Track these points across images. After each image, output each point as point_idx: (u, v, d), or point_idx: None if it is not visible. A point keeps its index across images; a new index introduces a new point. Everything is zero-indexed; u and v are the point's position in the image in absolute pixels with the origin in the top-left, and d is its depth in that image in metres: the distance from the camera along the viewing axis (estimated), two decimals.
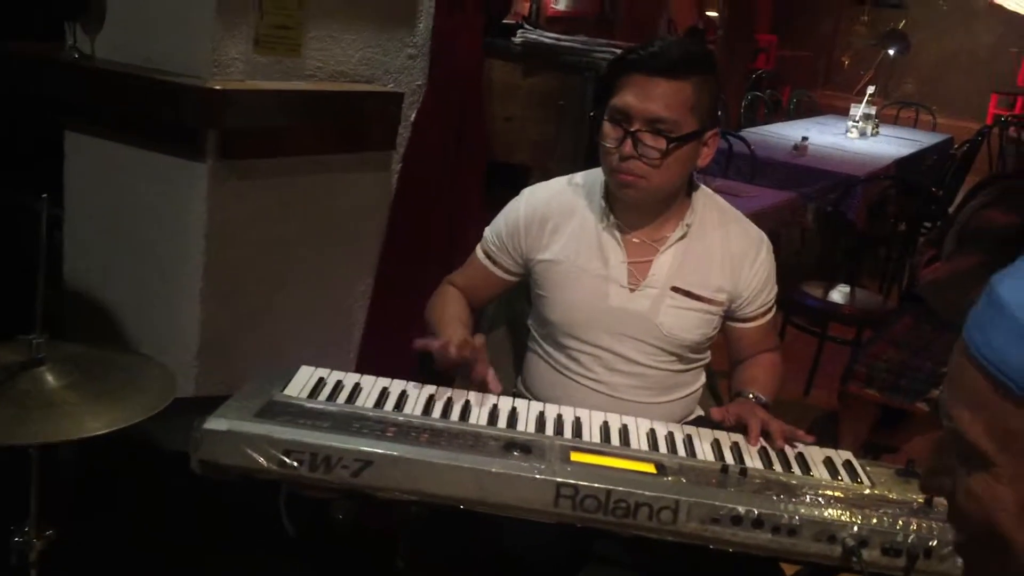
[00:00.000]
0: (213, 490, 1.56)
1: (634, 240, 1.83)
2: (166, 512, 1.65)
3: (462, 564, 1.78)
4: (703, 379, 1.99)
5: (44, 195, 1.46)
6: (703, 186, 1.90)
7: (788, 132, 6.22)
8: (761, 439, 1.64)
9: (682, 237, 1.82)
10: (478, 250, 1.95)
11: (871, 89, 6.91)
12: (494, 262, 1.92)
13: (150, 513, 1.64)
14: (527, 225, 1.87)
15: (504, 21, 2.59)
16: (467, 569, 1.78)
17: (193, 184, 1.86)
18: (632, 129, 1.68)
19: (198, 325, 1.91)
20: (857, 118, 6.62)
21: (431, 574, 1.89)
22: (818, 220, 5.65)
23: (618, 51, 2.35)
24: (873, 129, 6.66)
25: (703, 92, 1.71)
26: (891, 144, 6.47)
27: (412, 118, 2.31)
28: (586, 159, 2.30)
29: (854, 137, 6.48)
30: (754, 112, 7.49)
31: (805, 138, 5.67)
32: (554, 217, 1.86)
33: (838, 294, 4.13)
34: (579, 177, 1.91)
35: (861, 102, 6.74)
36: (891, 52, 8.58)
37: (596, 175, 1.88)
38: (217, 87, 1.78)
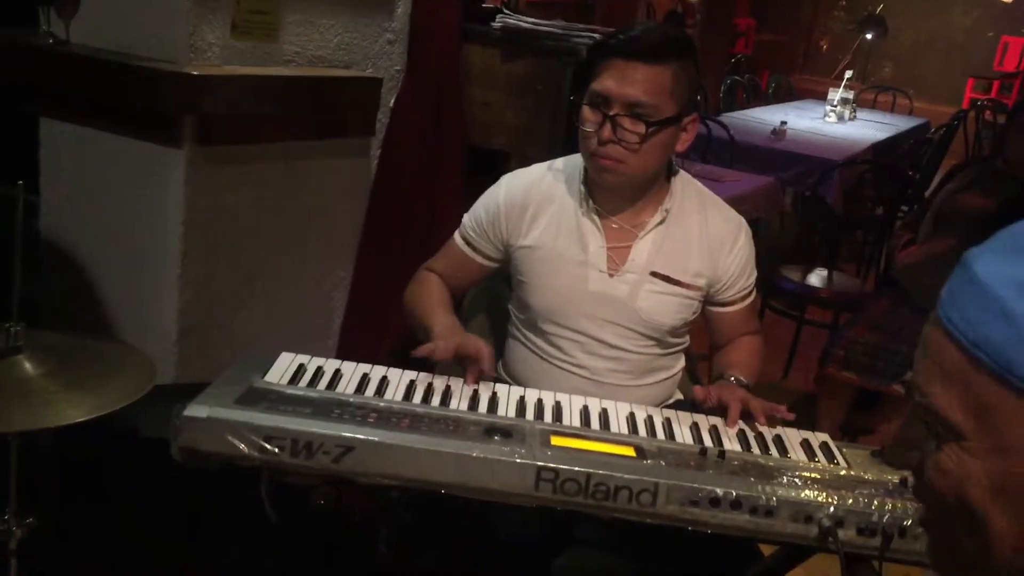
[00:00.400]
0: (194, 477, 1.56)
1: (613, 225, 1.84)
2: (147, 500, 1.65)
3: (443, 550, 1.79)
4: (682, 362, 2.00)
5: (19, 182, 1.45)
6: (682, 171, 1.91)
7: (767, 117, 6.24)
8: (741, 422, 1.66)
9: (661, 222, 1.83)
10: (456, 236, 1.95)
11: (849, 73, 6.95)
12: (473, 248, 1.92)
13: (131, 501, 1.64)
14: (507, 212, 1.87)
15: (483, 5, 2.59)
16: (448, 555, 1.78)
17: (170, 170, 1.85)
18: (611, 113, 1.68)
19: (176, 312, 1.91)
20: (835, 102, 6.66)
21: (412, 560, 1.90)
22: (796, 204, 5.69)
23: (596, 36, 2.35)
24: (851, 114, 6.70)
25: (682, 77, 1.71)
26: (868, 128, 6.51)
27: (391, 104, 2.30)
28: (564, 143, 2.30)
29: (832, 121, 6.52)
30: (733, 97, 7.50)
31: (784, 122, 5.69)
32: (533, 204, 1.87)
33: (816, 278, 4.16)
34: (558, 163, 1.91)
35: (839, 87, 6.78)
36: (868, 36, 8.61)
37: (575, 161, 1.88)
38: (194, 72, 1.77)
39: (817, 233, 5.26)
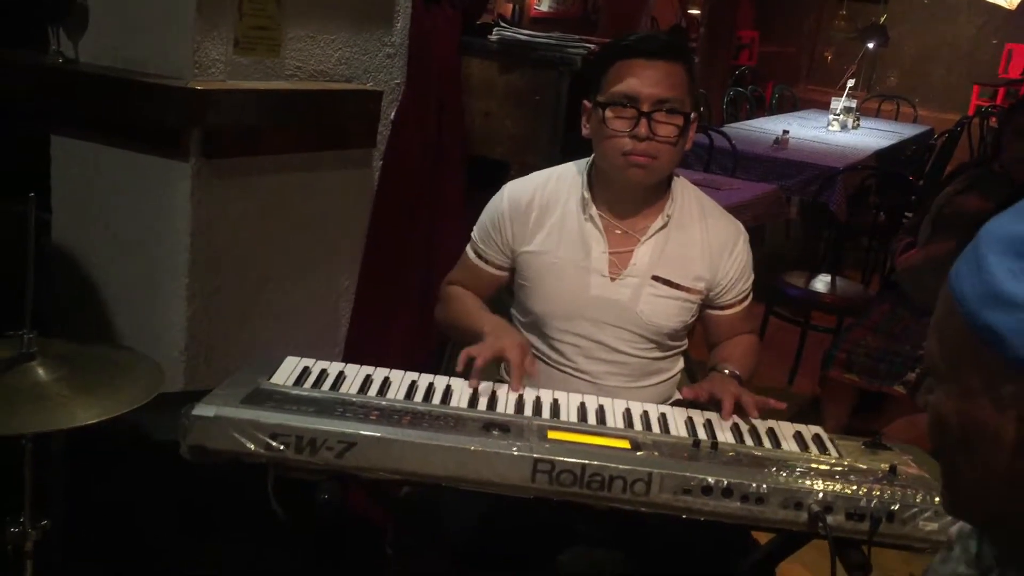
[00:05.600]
0: (203, 479, 1.61)
1: (616, 230, 1.88)
2: (156, 501, 1.69)
3: (448, 551, 1.82)
4: (681, 364, 2.04)
5: (31, 194, 1.51)
6: (682, 178, 1.96)
7: (769, 127, 6.29)
8: (735, 416, 1.69)
9: (663, 227, 1.87)
10: (468, 250, 2.00)
11: (851, 82, 7.00)
12: (485, 260, 1.97)
13: (140, 502, 1.69)
14: (511, 218, 1.92)
15: (480, 22, 2.64)
16: (453, 556, 1.82)
17: (177, 183, 1.90)
18: (645, 111, 1.73)
19: (185, 321, 1.96)
20: (838, 111, 6.70)
21: (419, 561, 1.94)
22: (802, 212, 5.73)
23: (591, 46, 2.41)
24: (854, 122, 6.74)
25: (690, 76, 1.80)
26: (871, 136, 6.55)
27: (392, 116, 2.35)
28: (563, 151, 2.35)
29: (835, 130, 6.56)
30: (737, 108, 7.56)
31: (786, 132, 5.74)
32: (536, 209, 1.91)
33: (820, 283, 4.19)
34: (559, 170, 1.96)
35: (843, 96, 6.82)
36: (870, 46, 8.65)
37: (576, 168, 1.93)
38: (199, 87, 1.83)
39: (822, 240, 5.30)
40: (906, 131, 7.07)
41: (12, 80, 2.04)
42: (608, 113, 1.77)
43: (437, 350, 2.29)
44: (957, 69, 11.63)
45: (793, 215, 6.42)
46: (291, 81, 2.08)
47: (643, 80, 1.74)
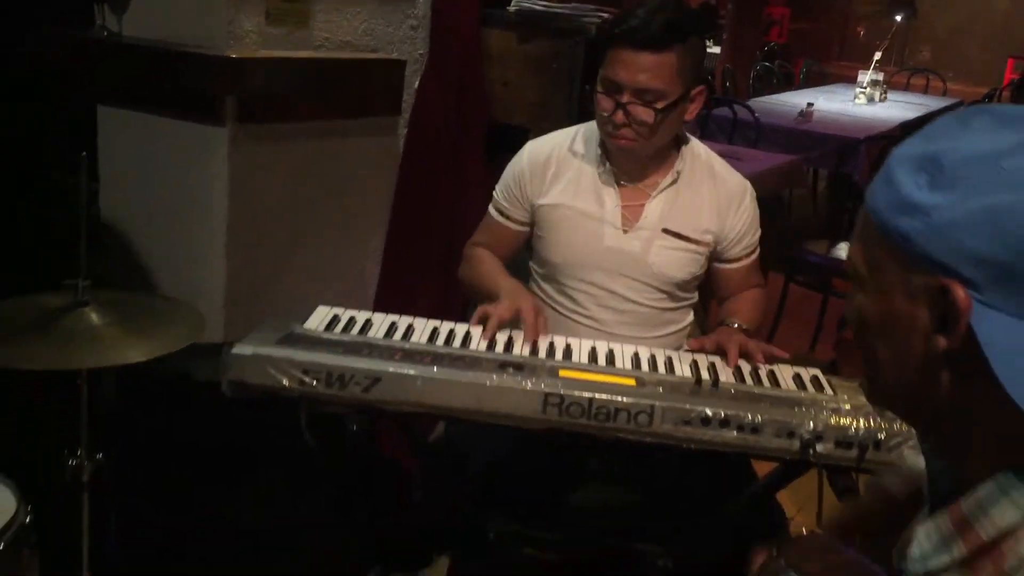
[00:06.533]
0: (241, 415, 1.75)
1: (628, 186, 1.98)
2: (200, 437, 1.84)
3: (472, 493, 1.94)
4: (691, 317, 2.13)
5: (84, 153, 1.64)
6: (692, 138, 2.05)
7: (795, 100, 6.32)
8: (741, 361, 1.79)
9: (672, 183, 1.97)
10: (491, 209, 2.11)
11: (878, 55, 6.99)
12: (507, 217, 2.08)
13: (186, 438, 1.83)
14: (531, 172, 2.03)
15: None
16: (476, 496, 1.93)
17: (215, 148, 2.04)
18: (623, 101, 1.82)
19: (224, 278, 2.10)
20: (864, 84, 6.71)
21: (445, 504, 2.06)
22: (829, 185, 5.77)
23: (604, 15, 2.50)
24: (881, 95, 6.74)
25: (687, 57, 1.84)
26: (897, 108, 6.56)
27: (416, 85, 2.47)
28: (580, 117, 2.45)
29: (861, 103, 6.57)
30: (764, 84, 7.58)
31: (810, 104, 5.78)
32: (554, 165, 2.02)
33: (841, 250, 4.24)
34: (577, 129, 2.05)
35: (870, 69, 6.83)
36: (897, 19, 8.61)
37: (593, 127, 2.03)
38: (233, 56, 1.96)
39: (846, 210, 5.35)
40: (934, 103, 7.07)
41: (61, 54, 2.19)
42: (598, 96, 1.87)
43: (461, 312, 2.41)
44: (992, 43, 11.48)
45: (821, 188, 6.47)
46: (319, 51, 2.20)
47: (625, 70, 1.81)
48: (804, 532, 0.96)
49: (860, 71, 6.98)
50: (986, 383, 0.72)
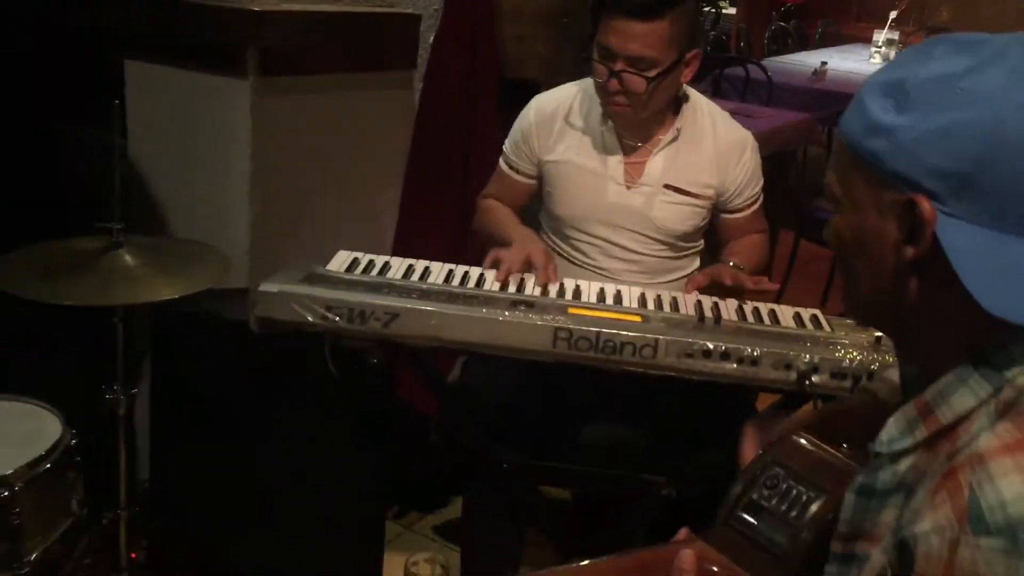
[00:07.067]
0: (268, 351, 1.84)
1: (630, 143, 2.05)
2: (228, 371, 1.93)
3: (487, 433, 2.02)
4: (696, 264, 2.20)
5: (116, 100, 1.73)
6: (694, 92, 2.10)
7: (810, 60, 6.31)
8: (735, 301, 1.86)
9: (673, 140, 2.03)
10: (501, 163, 2.18)
11: (894, 14, 6.96)
12: (516, 170, 2.15)
13: (216, 370, 1.93)
14: (538, 127, 2.10)
15: None
16: (490, 435, 2.02)
17: (238, 99, 2.11)
18: (616, 68, 1.88)
19: (248, 225, 2.18)
20: (880, 43, 6.70)
21: (459, 450, 2.16)
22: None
23: None
24: (896, 54, 6.72)
25: (679, 23, 1.88)
26: None
27: (431, 40, 2.54)
28: (590, 71, 2.50)
29: (876, 62, 6.55)
30: (780, 44, 7.56)
31: (824, 63, 5.78)
32: (559, 121, 2.09)
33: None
34: (581, 84, 2.11)
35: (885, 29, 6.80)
36: None
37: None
38: (255, 8, 2.03)
39: None
40: None
41: (88, 10, 2.26)
42: (594, 63, 1.93)
43: (474, 260, 2.49)
44: (1010, 2, 11.37)
45: (821, 142, 6.48)
46: (337, 4, 2.27)
47: (618, 38, 1.85)
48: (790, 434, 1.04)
49: (876, 30, 6.95)
50: (950, 287, 0.80)
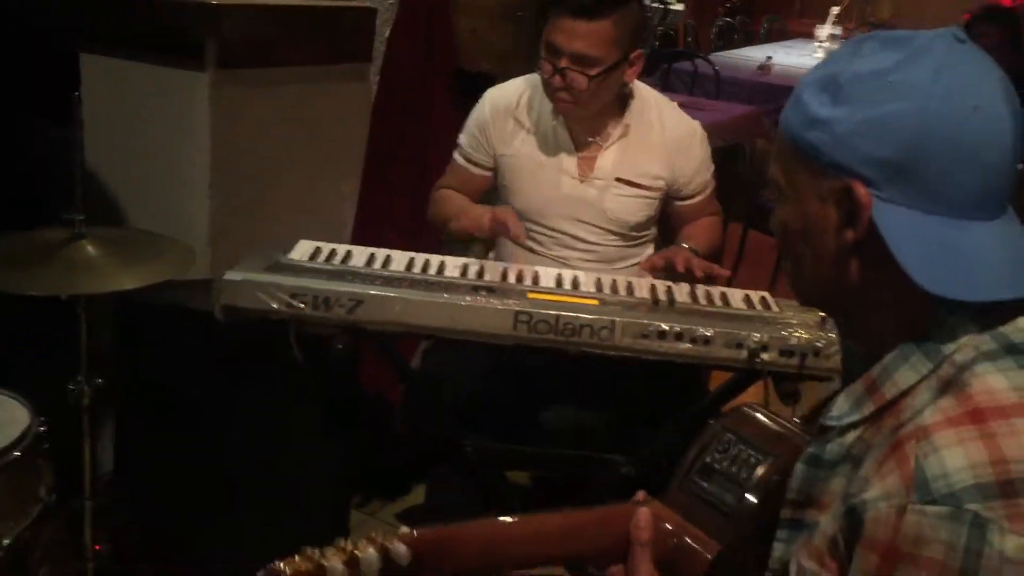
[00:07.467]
0: (231, 339, 1.86)
1: (582, 137, 2.11)
2: (192, 359, 1.95)
3: (451, 419, 2.06)
4: (650, 250, 2.27)
5: (76, 92, 1.73)
6: (642, 86, 2.16)
7: (755, 55, 6.45)
8: (687, 285, 1.93)
9: (623, 136, 2.10)
10: (456, 155, 2.23)
11: (835, 9, 7.14)
12: (472, 162, 2.20)
13: (180, 361, 1.94)
14: (493, 120, 2.15)
15: None
16: (454, 420, 2.06)
17: (196, 92, 2.13)
18: (561, 66, 1.94)
19: (208, 217, 2.20)
20: (823, 39, 6.86)
21: (423, 437, 2.20)
22: None
23: None
24: None
25: (624, 24, 1.95)
26: None
27: (387, 34, 2.57)
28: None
29: (820, 57, 6.72)
30: (727, 40, 7.70)
31: (769, 57, 5.91)
32: (513, 115, 2.14)
33: None
34: (534, 78, 2.17)
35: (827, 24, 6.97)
36: None
37: None
38: (213, 2, 2.05)
39: None
40: None
41: (44, 3, 2.26)
42: (542, 59, 1.99)
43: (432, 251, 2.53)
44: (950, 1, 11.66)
45: (768, 134, 6.63)
46: None
47: (563, 37, 1.92)
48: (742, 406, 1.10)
49: (818, 26, 7.12)
50: (888, 267, 0.86)
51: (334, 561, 0.84)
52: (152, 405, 1.94)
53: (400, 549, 0.86)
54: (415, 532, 0.89)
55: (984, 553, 0.75)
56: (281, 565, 0.83)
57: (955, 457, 0.79)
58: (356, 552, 0.85)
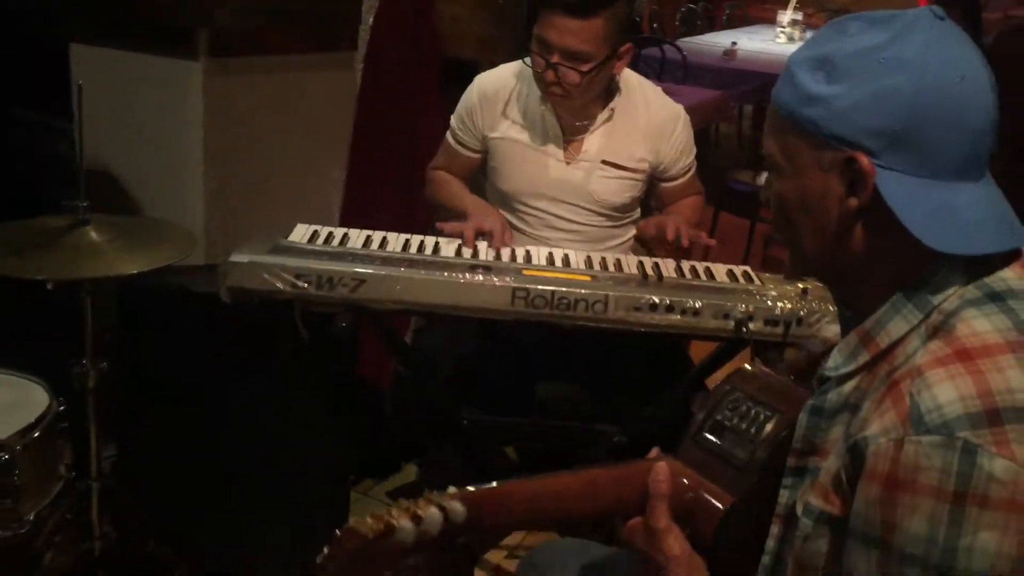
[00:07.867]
0: (236, 322, 1.91)
1: (569, 123, 2.17)
2: (196, 342, 1.99)
3: (442, 395, 2.12)
4: (633, 231, 2.34)
5: (79, 82, 1.77)
6: (627, 72, 2.22)
7: (720, 40, 6.55)
8: (672, 261, 2.01)
9: (608, 120, 2.17)
10: (448, 137, 2.29)
11: None
12: (463, 145, 2.26)
13: (182, 344, 1.99)
14: (481, 104, 2.21)
15: None
16: (447, 394, 2.11)
17: (189, 81, 2.17)
18: (553, 61, 2.00)
19: (202, 203, 2.24)
20: (785, 24, 6.98)
21: (412, 422, 2.26)
22: (754, 120, 6.05)
23: None
24: (800, 34, 7.01)
25: (614, 20, 2.01)
26: None
27: (371, 22, 2.62)
28: (526, 50, 2.62)
29: (782, 42, 6.83)
30: (690, 25, 7.81)
31: (734, 43, 6.02)
32: (502, 98, 2.20)
33: (765, 179, 4.52)
34: (523, 64, 2.23)
35: (788, 10, 7.09)
36: None
37: None
38: None
39: None
40: None
41: None
42: (532, 52, 2.05)
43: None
44: None
45: (745, 123, 6.76)
46: None
47: (555, 33, 1.98)
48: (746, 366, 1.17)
49: (779, 11, 7.24)
50: (888, 230, 0.92)
51: (402, 521, 0.90)
52: (154, 387, 1.98)
53: (457, 507, 0.94)
54: (470, 489, 0.96)
55: (974, 475, 0.83)
56: (356, 525, 0.89)
57: (946, 391, 0.86)
58: (419, 512, 0.91)
